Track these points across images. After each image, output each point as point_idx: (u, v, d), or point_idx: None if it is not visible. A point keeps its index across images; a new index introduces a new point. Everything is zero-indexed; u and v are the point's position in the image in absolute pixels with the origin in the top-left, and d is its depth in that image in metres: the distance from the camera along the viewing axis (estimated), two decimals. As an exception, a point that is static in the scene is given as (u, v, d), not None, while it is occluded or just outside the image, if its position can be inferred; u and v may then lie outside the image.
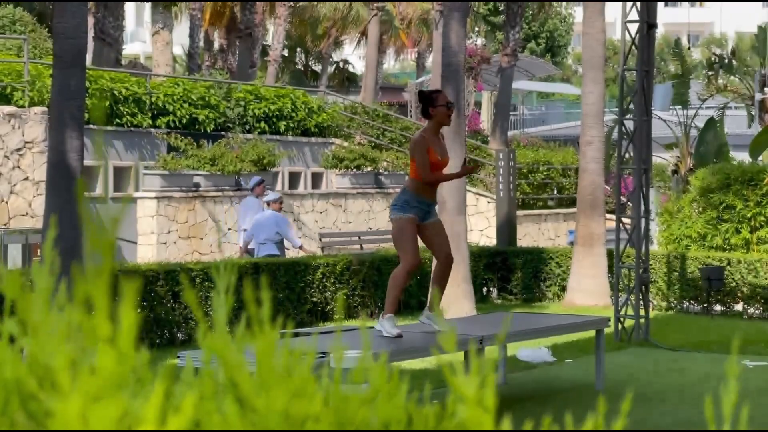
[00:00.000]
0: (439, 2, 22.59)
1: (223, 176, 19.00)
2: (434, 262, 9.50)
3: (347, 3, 42.17)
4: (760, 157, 23.00)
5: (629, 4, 13.90)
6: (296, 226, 20.27)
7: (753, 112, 28.45)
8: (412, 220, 8.42)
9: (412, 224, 8.43)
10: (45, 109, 16.84)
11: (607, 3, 17.67)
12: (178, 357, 8.08)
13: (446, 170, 8.99)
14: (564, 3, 55.62)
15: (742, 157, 22.53)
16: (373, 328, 9.20)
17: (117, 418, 0.99)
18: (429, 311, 8.94)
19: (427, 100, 8.62)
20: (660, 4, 15.43)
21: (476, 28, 49.06)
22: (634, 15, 13.87)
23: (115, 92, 19.05)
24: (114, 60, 25.37)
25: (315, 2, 42.13)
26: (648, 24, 13.80)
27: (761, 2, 69.15)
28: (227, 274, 1.13)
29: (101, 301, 1.01)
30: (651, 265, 15.92)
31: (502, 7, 37.41)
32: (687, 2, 76.08)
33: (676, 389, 10.30)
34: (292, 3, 35.55)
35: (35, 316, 1.06)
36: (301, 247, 15.79)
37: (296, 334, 9.52)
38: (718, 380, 10.70)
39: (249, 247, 15.65)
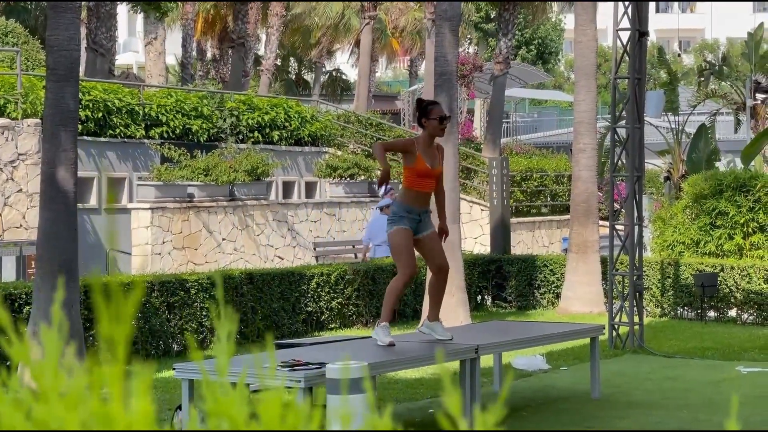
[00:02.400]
0: (431, 11, 22.65)
1: (216, 186, 19.00)
2: (428, 272, 9.51)
3: (339, 12, 42.24)
4: (753, 163, 23.06)
5: (620, 12, 13.96)
6: (290, 235, 20.28)
7: (741, 118, 28.53)
8: (405, 230, 8.47)
9: (405, 234, 8.48)
10: (38, 121, 16.84)
11: (598, 11, 17.72)
12: (174, 369, 8.10)
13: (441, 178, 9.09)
14: (554, 9, 55.73)
15: (734, 162, 22.59)
16: (369, 337, 9.23)
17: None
18: (429, 321, 8.96)
19: (422, 111, 8.69)
20: (651, 11, 15.47)
21: (468, 36, 49.12)
22: (625, 23, 13.92)
23: (109, 103, 19.06)
24: (107, 70, 25.37)
25: (307, 11, 42.18)
26: (639, 32, 13.85)
27: (751, 9, 69.35)
28: (228, 322, 1.14)
29: (116, 389, 1.02)
30: (645, 271, 15.95)
31: (494, 14, 37.49)
32: (678, 9, 76.31)
33: (671, 396, 10.32)
34: (284, 12, 35.58)
35: (45, 381, 1.06)
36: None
37: (291, 345, 9.54)
38: (713, 386, 10.72)
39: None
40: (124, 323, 1.04)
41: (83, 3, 24.24)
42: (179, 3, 29.09)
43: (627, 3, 13.86)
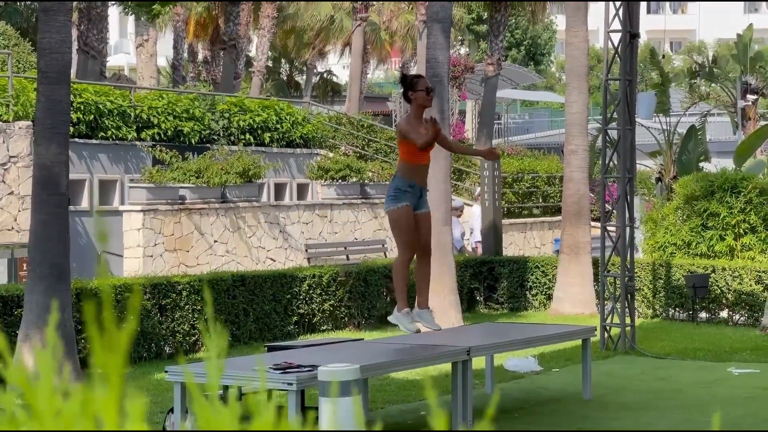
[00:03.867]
0: (423, 13, 22.67)
1: (208, 188, 18.98)
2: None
3: (328, 14, 42.23)
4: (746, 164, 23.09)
5: (612, 13, 13.98)
6: (282, 237, 20.28)
7: (736, 119, 28.59)
8: (407, 208, 8.42)
9: (407, 212, 8.39)
10: (30, 123, 16.82)
11: (589, 13, 17.76)
12: (166, 371, 8.09)
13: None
14: (546, 10, 55.76)
15: (726, 163, 22.62)
16: (361, 339, 9.22)
17: None
18: (419, 308, 8.83)
19: (408, 85, 8.68)
20: (642, 12, 15.52)
21: (460, 37, 49.16)
22: (616, 24, 13.94)
23: (100, 105, 19.04)
24: (98, 72, 25.34)
25: (299, 12, 42.16)
26: (630, 33, 13.88)
27: (742, 10, 69.51)
28: (217, 338, 1.15)
29: (111, 416, 1.02)
30: (636, 273, 15.97)
31: (485, 16, 37.52)
32: (669, 10, 76.43)
33: (662, 397, 10.34)
34: (276, 14, 35.57)
35: (40, 403, 1.06)
36: (461, 249, 19.91)
37: (283, 348, 9.54)
38: (705, 388, 10.75)
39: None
40: (118, 354, 1.05)
41: (74, 5, 24.20)
42: (170, 4, 29.03)
43: (618, 4, 13.89)
